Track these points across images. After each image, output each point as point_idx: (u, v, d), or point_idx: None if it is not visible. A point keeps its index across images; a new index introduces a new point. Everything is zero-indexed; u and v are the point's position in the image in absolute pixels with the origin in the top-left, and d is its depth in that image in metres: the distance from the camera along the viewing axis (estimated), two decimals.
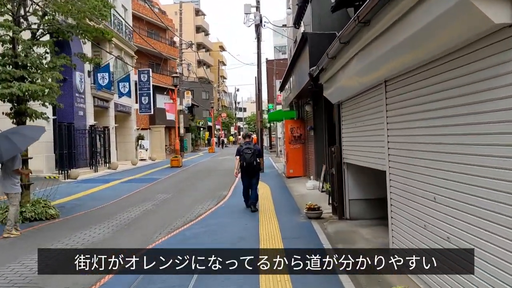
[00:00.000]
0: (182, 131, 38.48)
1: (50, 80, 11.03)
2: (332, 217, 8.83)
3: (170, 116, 33.23)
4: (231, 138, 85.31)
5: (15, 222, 8.54)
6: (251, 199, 10.41)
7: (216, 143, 64.84)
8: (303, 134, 17.06)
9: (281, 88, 19.26)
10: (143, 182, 18.69)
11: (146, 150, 34.86)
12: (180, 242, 7.66)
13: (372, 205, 8.42)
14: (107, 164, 26.43)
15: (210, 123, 61.81)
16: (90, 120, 26.03)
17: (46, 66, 10.96)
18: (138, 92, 34.83)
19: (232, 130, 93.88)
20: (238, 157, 10.34)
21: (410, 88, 4.83)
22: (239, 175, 10.84)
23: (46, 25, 11.14)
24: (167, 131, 47.13)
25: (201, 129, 64.67)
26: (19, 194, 8.77)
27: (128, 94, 30.57)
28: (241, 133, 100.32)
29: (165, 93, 34.76)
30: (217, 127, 66.29)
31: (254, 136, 55.22)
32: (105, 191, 16.05)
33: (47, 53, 11.40)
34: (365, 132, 6.83)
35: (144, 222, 9.70)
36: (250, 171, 10.27)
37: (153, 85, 39.27)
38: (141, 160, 34.14)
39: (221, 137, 71.46)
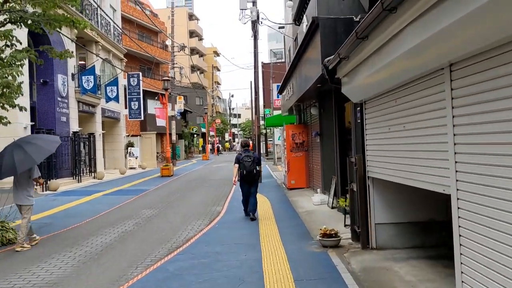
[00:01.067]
0: (174, 137, 36.75)
1: (10, 77, 9.21)
2: (353, 245, 7.06)
3: (160, 122, 31.41)
4: (227, 145, 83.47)
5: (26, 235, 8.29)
6: (250, 207, 10.32)
7: (210, 150, 63.04)
8: (306, 141, 15.33)
9: (281, 91, 17.53)
10: (129, 194, 16.89)
11: (136, 158, 33.04)
12: (160, 282, 5.87)
13: (404, 231, 6.68)
14: (93, 174, 24.58)
15: (204, 130, 59.99)
16: (74, 127, 24.21)
17: (5, 61, 9.16)
18: (127, 97, 33.05)
19: (227, 136, 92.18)
20: (237, 165, 10.28)
21: (495, 73, 3.14)
22: (238, 183, 10.74)
23: (6, 13, 9.38)
24: (159, 138, 45.30)
25: (195, 135, 62.83)
26: (32, 207, 8.63)
27: (116, 99, 28.77)
28: (237, 140, 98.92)
29: (156, 98, 33.06)
30: (211, 133, 64.48)
31: (250, 142, 54.11)
32: (83, 205, 14.23)
33: (7, 46, 9.61)
34: (406, 139, 5.09)
35: (119, 250, 7.90)
36: (250, 179, 10.23)
37: (144, 90, 37.51)
38: (131, 168, 32.31)
39: (216, 143, 69.69)
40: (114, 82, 28.59)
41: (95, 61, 25.92)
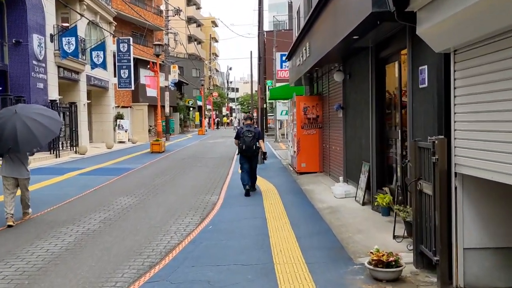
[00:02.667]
0: (167, 110, 34.16)
1: None
2: (421, 279, 4.52)
3: (151, 92, 28.67)
4: (225, 119, 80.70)
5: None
6: (250, 182, 10.06)
7: (208, 124, 60.35)
8: (321, 116, 12.73)
9: (289, 56, 14.81)
10: (109, 174, 14.35)
11: (126, 131, 30.39)
12: None
13: (510, 262, 4.16)
14: (74, 148, 21.97)
15: (200, 103, 57.17)
16: (54, 95, 21.50)
17: None
18: (116, 64, 30.20)
19: (224, 110, 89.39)
20: (237, 140, 10.16)
21: None
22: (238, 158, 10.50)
23: None
24: (152, 110, 42.49)
25: (191, 109, 60.03)
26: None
27: (103, 65, 25.95)
28: (234, 115, 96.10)
29: (148, 66, 30.25)
30: (208, 107, 61.70)
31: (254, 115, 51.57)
32: (50, 188, 11.69)
33: None
34: None
35: (63, 270, 5.36)
36: (250, 155, 10.01)
37: (137, 58, 34.64)
38: (120, 142, 29.71)
39: (213, 117, 66.98)
40: (101, 47, 25.72)
41: (78, 20, 22.98)
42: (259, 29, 15.62)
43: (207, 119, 62.30)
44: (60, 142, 20.99)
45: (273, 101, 29.31)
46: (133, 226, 7.45)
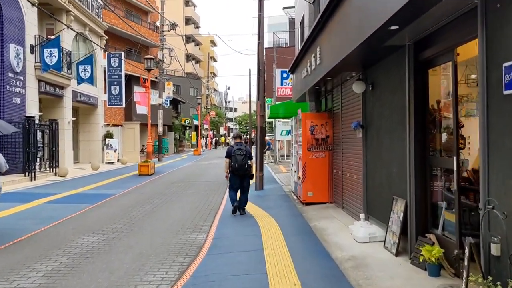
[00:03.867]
0: (160, 129, 32.26)
1: None
2: None
3: (141, 109, 26.86)
4: (223, 139, 78.70)
5: None
6: (240, 204, 9.92)
7: (205, 144, 58.38)
8: (331, 136, 10.78)
9: (293, 69, 12.95)
10: (83, 201, 12.37)
11: (115, 151, 28.38)
12: None
13: None
14: (54, 170, 19.94)
15: (196, 122, 55.27)
16: (33, 111, 19.58)
17: None
18: (107, 80, 28.41)
19: (222, 130, 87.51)
20: (228, 159, 9.96)
21: None
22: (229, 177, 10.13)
23: None
24: (145, 129, 40.51)
25: (187, 128, 58.12)
26: None
27: (90, 80, 24.11)
28: (232, 134, 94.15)
29: (143, 83, 28.14)
30: (205, 126, 59.81)
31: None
32: (4, 220, 9.66)
33: None
34: None
35: None
36: (242, 173, 9.86)
37: (130, 75, 32.91)
38: (108, 163, 27.72)
39: (210, 137, 65.01)
40: (88, 60, 23.92)
41: (61, 30, 21.18)
42: (258, 38, 13.76)
43: (204, 139, 60.38)
44: (38, 163, 19.00)
45: (273, 120, 27.39)
46: (83, 285, 5.42)
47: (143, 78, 23.09)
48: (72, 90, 24.21)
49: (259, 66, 13.81)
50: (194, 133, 57.57)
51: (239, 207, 9.87)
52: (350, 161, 9.04)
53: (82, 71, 23.73)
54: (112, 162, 27.95)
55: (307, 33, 10.93)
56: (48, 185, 16.69)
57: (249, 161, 9.84)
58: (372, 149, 7.61)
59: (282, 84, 26.12)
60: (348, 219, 8.69)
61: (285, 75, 26.06)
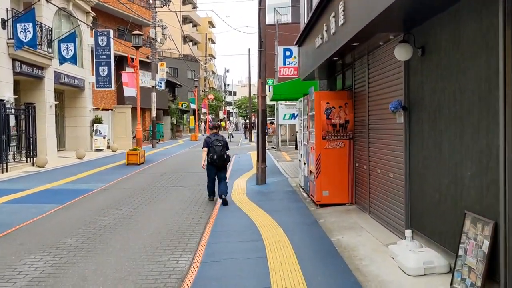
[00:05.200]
0: (154, 113, 30.08)
1: None
2: None
3: (129, 91, 24.50)
4: (223, 124, 76.45)
5: None
6: (220, 192, 9.65)
7: (204, 128, 56.08)
8: (352, 121, 8.61)
9: (301, 41, 10.75)
10: (51, 200, 10.33)
11: (104, 138, 26.21)
12: None
13: None
14: (32, 159, 17.81)
15: (193, 105, 52.96)
16: (6, 93, 17.37)
17: None
18: (94, 60, 26.17)
19: (221, 114, 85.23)
20: (206, 149, 9.61)
21: None
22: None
23: None
24: (141, 114, 38.33)
25: (185, 112, 55.90)
26: None
27: (73, 59, 21.84)
28: (231, 119, 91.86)
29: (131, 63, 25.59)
30: (203, 110, 57.52)
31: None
32: None
33: None
34: None
35: None
36: (221, 164, 9.63)
37: (122, 56, 30.53)
38: (97, 150, 25.61)
39: (208, 121, 62.71)
40: (71, 38, 21.63)
41: (36, 2, 18.86)
42: (260, 4, 11.52)
43: (202, 124, 58.12)
44: (11, 153, 16.87)
45: (274, 103, 25.17)
46: None
47: (131, 58, 20.78)
48: (54, 71, 21.96)
49: (260, 36, 11.58)
50: (192, 117, 55.32)
51: (220, 197, 9.62)
52: (382, 153, 6.89)
53: (64, 49, 21.46)
54: (102, 149, 25.84)
55: None
56: (20, 178, 14.58)
57: (227, 151, 9.72)
58: (421, 140, 5.45)
59: (284, 64, 23.84)
60: (381, 231, 6.59)
61: (288, 53, 23.80)
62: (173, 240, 6.80)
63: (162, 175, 15.05)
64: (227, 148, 9.79)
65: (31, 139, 17.90)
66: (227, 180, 9.98)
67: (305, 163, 10.29)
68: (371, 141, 7.50)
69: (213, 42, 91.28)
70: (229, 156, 9.91)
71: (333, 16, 6.98)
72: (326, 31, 7.69)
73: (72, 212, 9.13)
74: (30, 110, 17.95)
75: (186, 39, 61.70)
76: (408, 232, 5.21)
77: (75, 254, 6.15)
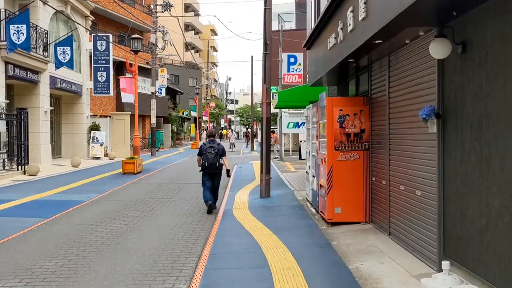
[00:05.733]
0: (153, 120, 29.27)
1: None
2: None
3: (127, 97, 23.70)
4: (225, 132, 75.56)
5: None
6: (213, 199, 9.60)
7: (205, 136, 55.15)
8: (368, 130, 7.75)
9: (310, 43, 9.93)
10: (37, 214, 9.51)
11: (102, 145, 25.35)
12: None
13: None
14: (23, 167, 16.95)
15: (194, 113, 52.13)
16: None
17: None
18: (92, 65, 25.37)
19: (222, 123, 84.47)
20: (199, 157, 9.76)
21: None
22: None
23: None
24: (140, 121, 37.60)
25: (185, 120, 55.09)
26: None
27: (70, 64, 21.10)
28: (233, 127, 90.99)
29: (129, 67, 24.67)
30: (205, 118, 56.74)
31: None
32: None
33: None
34: None
35: None
36: (212, 172, 9.63)
37: (122, 62, 29.74)
38: (94, 158, 24.71)
39: (209, 128, 61.84)
40: (68, 41, 20.86)
41: (31, 2, 18.10)
42: (265, 4, 10.72)
43: (204, 132, 57.26)
44: (1, 160, 16.03)
45: (278, 111, 24.34)
46: None
47: (130, 63, 19.98)
48: (50, 76, 21.19)
49: (265, 38, 10.76)
50: (193, 125, 54.45)
51: (212, 204, 9.53)
52: (406, 167, 6.02)
53: (60, 53, 20.68)
54: (99, 157, 24.95)
55: None
56: (9, 188, 13.72)
57: (220, 159, 9.65)
58: (460, 153, 4.58)
59: (289, 70, 23.04)
60: (406, 258, 5.70)
61: (292, 59, 23.00)
62: (166, 265, 5.92)
63: (160, 185, 14.18)
64: (221, 156, 9.67)
65: (23, 146, 17.05)
66: (221, 184, 10.32)
67: (313, 176, 9.42)
68: (392, 153, 6.63)
69: (215, 50, 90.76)
70: (222, 165, 9.73)
71: (351, 11, 6.14)
72: (341, 28, 6.85)
73: (56, 227, 8.25)
74: (22, 116, 17.12)
75: (188, 46, 61.07)
76: (445, 264, 4.33)
77: (50, 282, 5.28)
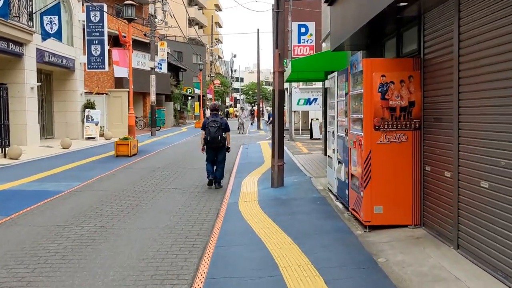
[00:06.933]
0: (153, 98, 27.30)
1: None
2: None
3: (120, 71, 21.72)
4: (232, 110, 73.36)
5: None
6: (216, 176, 9.65)
7: (209, 110, 53.20)
8: (419, 103, 5.76)
9: None
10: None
11: (97, 125, 23.45)
12: None
13: None
14: (3, 150, 15.11)
15: (198, 91, 50.01)
16: None
17: None
18: (86, 38, 23.34)
19: (228, 101, 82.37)
20: (203, 131, 9.65)
21: None
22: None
23: None
24: (140, 98, 35.63)
25: (189, 98, 53.07)
26: None
27: (58, 35, 19.05)
28: (239, 106, 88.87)
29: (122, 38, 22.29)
30: (209, 96, 54.68)
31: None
32: None
33: None
34: None
35: None
36: (215, 146, 9.55)
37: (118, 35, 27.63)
38: (89, 138, 22.86)
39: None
40: (55, 10, 18.81)
41: None
42: None
43: (208, 110, 55.28)
44: None
45: (287, 86, 22.26)
46: None
47: (123, 35, 17.93)
48: (37, 48, 19.22)
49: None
50: (197, 103, 52.39)
51: (214, 180, 9.60)
52: (491, 155, 4.07)
53: (47, 23, 18.68)
54: (94, 138, 23.10)
55: None
56: None
57: (223, 133, 9.54)
58: None
59: (299, 42, 20.96)
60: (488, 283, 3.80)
61: (303, 29, 20.94)
62: (160, 274, 4.09)
63: (154, 170, 12.30)
64: (225, 130, 9.57)
65: (2, 126, 15.17)
66: (225, 168, 10.00)
67: (340, 162, 7.48)
68: (464, 134, 4.67)
69: (220, 26, 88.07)
70: (225, 139, 9.61)
71: None
72: None
73: (12, 231, 6.40)
74: (1, 92, 15.20)
75: (192, 22, 58.64)
76: None
77: None
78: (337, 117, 7.72)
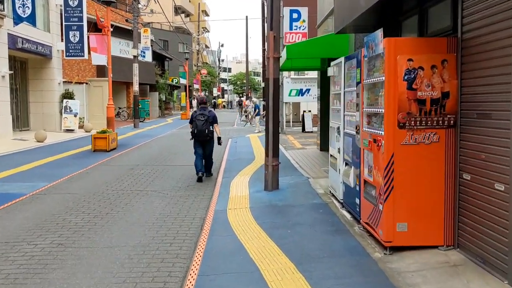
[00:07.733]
0: (136, 87, 25.90)
1: None
2: None
3: (98, 58, 20.27)
4: (220, 101, 71.88)
5: None
6: (206, 169, 9.59)
7: (197, 106, 51.76)
8: (454, 95, 4.61)
9: None
10: None
11: (76, 116, 22.03)
12: None
13: None
14: None
15: (183, 81, 48.52)
16: None
17: None
18: (64, 24, 21.84)
19: (215, 91, 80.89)
20: (191, 124, 9.64)
21: None
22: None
23: None
24: (123, 88, 34.13)
25: (176, 88, 51.53)
26: None
27: (31, 19, 17.65)
28: (226, 96, 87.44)
29: (100, 23, 20.68)
30: (196, 86, 53.20)
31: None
32: None
33: None
34: None
35: None
36: (202, 139, 9.47)
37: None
38: (68, 131, 21.44)
39: (200, 95, 58.36)
40: None
41: None
42: None
43: (195, 100, 53.77)
44: None
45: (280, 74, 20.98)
46: None
47: (101, 19, 16.54)
48: (9, 34, 17.73)
49: None
50: (183, 93, 50.89)
51: (205, 172, 9.47)
52: None
53: (19, 6, 17.29)
54: (72, 130, 21.68)
55: None
56: None
57: (210, 126, 9.45)
58: None
59: (291, 28, 19.67)
60: None
61: (295, 15, 19.65)
62: None
63: (133, 168, 11.05)
64: (212, 123, 9.46)
65: None
66: (214, 163, 10.10)
67: (346, 163, 6.32)
68: None
69: (207, 15, 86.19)
70: (212, 132, 9.50)
71: None
72: None
73: None
74: None
75: (178, 10, 56.97)
76: None
77: None
78: (343, 111, 6.54)
